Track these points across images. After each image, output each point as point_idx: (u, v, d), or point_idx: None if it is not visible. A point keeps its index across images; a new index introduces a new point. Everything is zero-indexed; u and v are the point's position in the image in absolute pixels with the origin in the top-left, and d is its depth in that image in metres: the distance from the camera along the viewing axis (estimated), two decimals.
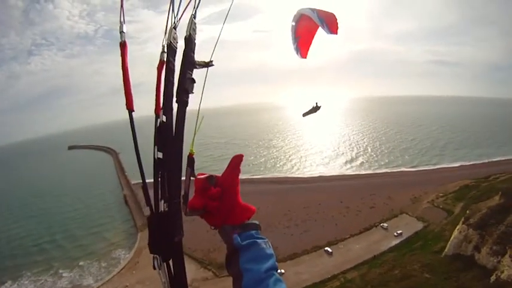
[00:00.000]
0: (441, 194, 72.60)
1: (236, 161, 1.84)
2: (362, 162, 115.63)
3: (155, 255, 1.69)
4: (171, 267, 1.72)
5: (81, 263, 69.94)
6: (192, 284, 52.63)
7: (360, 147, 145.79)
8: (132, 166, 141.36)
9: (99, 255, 72.81)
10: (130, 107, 1.64)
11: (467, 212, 48.38)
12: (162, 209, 1.66)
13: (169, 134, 1.65)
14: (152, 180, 1.69)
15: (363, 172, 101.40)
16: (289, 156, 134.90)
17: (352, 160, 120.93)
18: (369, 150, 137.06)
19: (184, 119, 1.65)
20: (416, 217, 63.47)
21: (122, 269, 64.54)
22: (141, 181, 1.65)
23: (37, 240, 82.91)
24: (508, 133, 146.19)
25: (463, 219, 46.59)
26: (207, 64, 1.76)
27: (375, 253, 52.18)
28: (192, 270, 56.25)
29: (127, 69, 1.64)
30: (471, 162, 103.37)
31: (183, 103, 1.64)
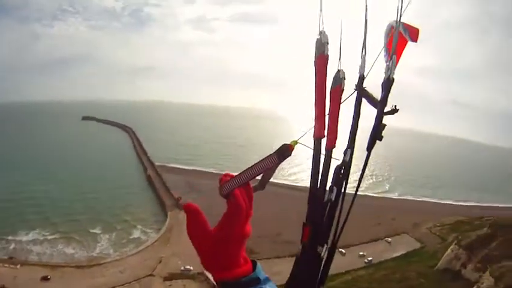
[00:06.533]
0: (438, 224, 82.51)
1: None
2: (371, 185, 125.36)
3: None
4: None
5: (108, 234, 73.89)
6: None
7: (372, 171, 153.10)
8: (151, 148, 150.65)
9: (128, 227, 77.45)
10: (318, 135, 1.49)
11: (459, 237, 59.69)
12: (322, 254, 1.45)
13: (346, 176, 1.50)
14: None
15: (371, 194, 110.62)
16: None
17: (364, 183, 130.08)
18: (377, 175, 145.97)
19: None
20: (415, 238, 74.18)
21: (154, 242, 68.99)
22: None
23: (61, 207, 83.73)
24: (506, 182, 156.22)
25: (455, 241, 57.72)
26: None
27: (380, 259, 63.66)
28: None
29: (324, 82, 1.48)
30: (469, 204, 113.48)
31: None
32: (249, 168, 1.42)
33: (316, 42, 1.50)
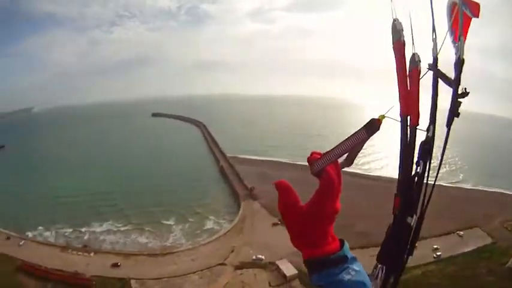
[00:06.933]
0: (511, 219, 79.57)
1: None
2: (444, 175, 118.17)
3: (381, 266, 1.71)
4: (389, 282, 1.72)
5: (181, 224, 77.16)
6: None
7: (445, 160, 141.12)
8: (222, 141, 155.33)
9: (201, 219, 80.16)
10: (404, 113, 1.65)
11: None
12: (412, 224, 1.63)
13: (430, 150, 1.63)
14: None
15: (445, 184, 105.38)
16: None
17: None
18: (450, 163, 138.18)
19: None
20: (487, 233, 73.28)
21: (227, 232, 71.48)
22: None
23: (134, 201, 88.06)
24: None
25: None
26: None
27: (451, 254, 64.76)
28: None
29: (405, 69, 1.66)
30: None
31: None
32: (338, 144, 1.52)
33: (392, 29, 1.74)
